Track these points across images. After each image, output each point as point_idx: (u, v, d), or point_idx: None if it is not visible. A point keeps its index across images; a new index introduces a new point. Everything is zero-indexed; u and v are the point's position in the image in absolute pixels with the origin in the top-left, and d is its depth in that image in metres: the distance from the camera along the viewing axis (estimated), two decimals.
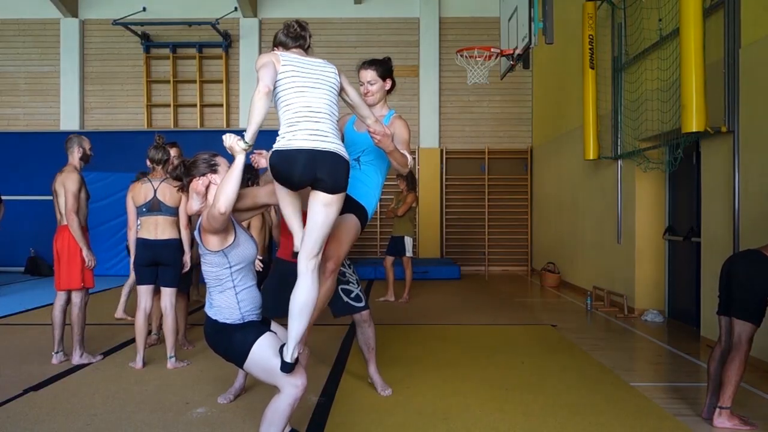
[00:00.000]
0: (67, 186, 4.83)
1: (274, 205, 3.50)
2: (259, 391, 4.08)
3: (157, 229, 4.82)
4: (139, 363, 4.77)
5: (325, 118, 2.91)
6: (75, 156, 4.96)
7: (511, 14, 7.18)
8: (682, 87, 5.27)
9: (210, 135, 11.69)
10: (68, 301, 5.00)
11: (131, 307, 7.03)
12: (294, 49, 3.10)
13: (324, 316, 6.39)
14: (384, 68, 3.77)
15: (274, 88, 2.90)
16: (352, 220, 3.49)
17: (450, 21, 12.36)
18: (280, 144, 2.85)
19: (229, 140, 2.71)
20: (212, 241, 2.75)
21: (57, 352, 4.94)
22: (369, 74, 3.72)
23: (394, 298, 8.20)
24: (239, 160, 2.68)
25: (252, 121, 2.71)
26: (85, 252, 4.87)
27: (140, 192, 4.87)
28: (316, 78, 2.97)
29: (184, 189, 2.94)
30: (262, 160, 3.35)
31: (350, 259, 4.21)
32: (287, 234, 4.13)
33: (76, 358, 4.89)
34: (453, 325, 6.56)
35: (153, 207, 4.83)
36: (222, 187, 2.67)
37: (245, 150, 2.69)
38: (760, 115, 4.90)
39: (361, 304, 4.13)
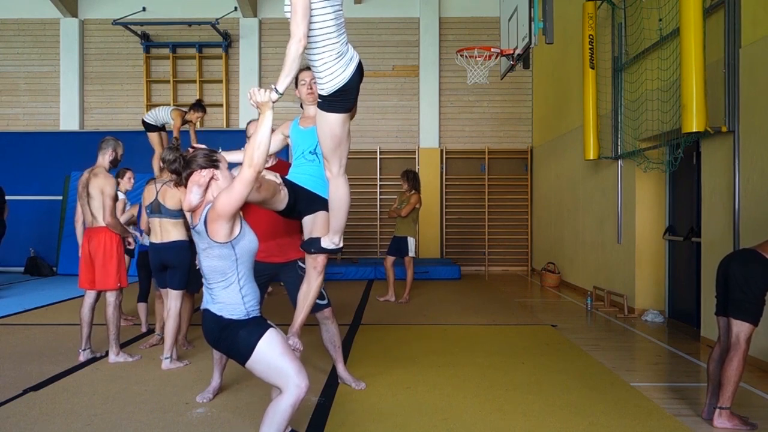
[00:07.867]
0: (106, 191, 4.82)
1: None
2: (259, 391, 4.07)
3: (161, 232, 4.83)
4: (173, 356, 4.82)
5: None
6: (107, 158, 4.94)
7: (511, 14, 7.19)
8: (682, 87, 5.27)
9: (210, 135, 11.67)
10: (98, 299, 5.03)
11: (129, 309, 7.02)
12: None
13: None
14: None
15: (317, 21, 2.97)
16: (326, 217, 3.54)
17: (450, 21, 12.36)
18: (351, 65, 3.04)
19: (260, 95, 2.67)
20: (222, 231, 2.65)
21: (84, 350, 4.97)
22: (312, 74, 3.75)
23: (395, 298, 8.20)
24: (269, 114, 2.67)
25: (290, 73, 2.77)
26: (131, 236, 5.21)
27: (148, 193, 4.89)
28: None
29: (181, 184, 2.80)
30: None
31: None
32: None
33: (113, 357, 4.89)
34: (453, 325, 6.55)
35: (154, 209, 4.83)
36: (254, 141, 2.61)
37: (274, 101, 2.69)
38: (760, 115, 4.90)
39: (324, 302, 4.12)
